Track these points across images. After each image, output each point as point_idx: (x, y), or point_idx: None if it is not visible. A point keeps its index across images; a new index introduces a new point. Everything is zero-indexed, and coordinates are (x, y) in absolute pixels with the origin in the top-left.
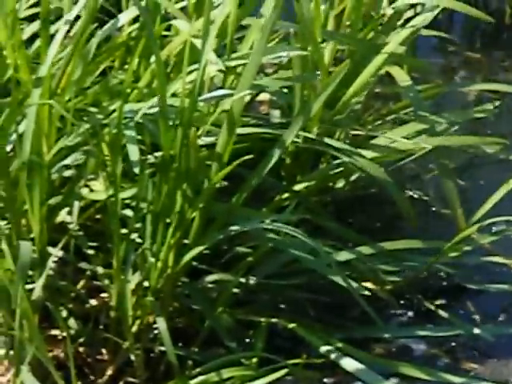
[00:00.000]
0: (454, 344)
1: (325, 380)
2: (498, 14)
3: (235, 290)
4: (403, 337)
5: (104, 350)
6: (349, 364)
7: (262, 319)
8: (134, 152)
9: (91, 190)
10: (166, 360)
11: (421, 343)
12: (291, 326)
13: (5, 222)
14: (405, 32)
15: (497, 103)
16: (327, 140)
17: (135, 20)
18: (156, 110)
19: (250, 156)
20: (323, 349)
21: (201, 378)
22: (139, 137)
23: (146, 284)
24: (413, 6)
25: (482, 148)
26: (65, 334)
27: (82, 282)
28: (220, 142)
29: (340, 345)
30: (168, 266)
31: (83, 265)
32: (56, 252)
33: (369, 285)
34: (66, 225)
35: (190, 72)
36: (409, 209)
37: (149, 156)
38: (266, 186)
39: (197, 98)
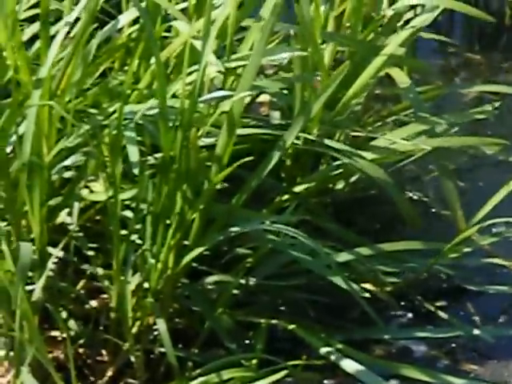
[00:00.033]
0: (454, 345)
1: (325, 381)
2: (498, 16)
3: (235, 291)
4: (403, 338)
5: (104, 352)
6: (349, 365)
7: (262, 320)
8: (133, 153)
9: (91, 191)
10: (166, 361)
11: (421, 345)
12: (291, 327)
13: (5, 223)
14: (404, 33)
15: (496, 104)
16: (327, 141)
17: (135, 21)
18: (156, 111)
19: (251, 158)
20: (323, 350)
21: (201, 379)
22: (139, 138)
23: (146, 285)
24: (413, 7)
25: (482, 149)
26: (65, 335)
27: (81, 283)
28: (220, 143)
29: (340, 346)
30: (168, 267)
31: (83, 266)
32: (56, 253)
33: (369, 286)
34: (66, 226)
35: (190, 73)
36: (409, 210)
37: (149, 157)
38: (266, 187)
39: (197, 99)
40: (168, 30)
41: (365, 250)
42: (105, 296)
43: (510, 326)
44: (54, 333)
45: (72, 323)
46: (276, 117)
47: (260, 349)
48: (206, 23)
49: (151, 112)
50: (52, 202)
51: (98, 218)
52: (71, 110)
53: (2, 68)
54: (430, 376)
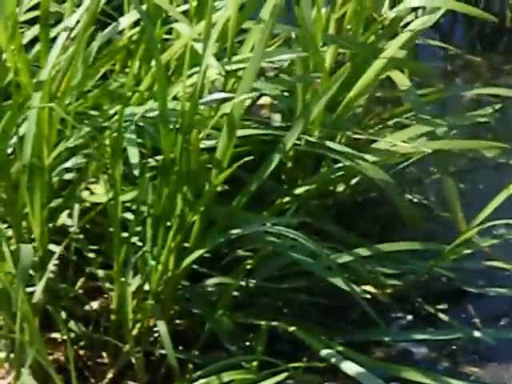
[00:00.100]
0: (454, 348)
1: None
2: (499, 18)
3: (235, 293)
4: (404, 340)
5: (104, 353)
6: (349, 367)
7: (263, 322)
8: (134, 155)
9: (92, 193)
10: (167, 363)
11: (421, 347)
12: (291, 329)
13: (5, 225)
14: (405, 36)
15: (497, 107)
16: (328, 143)
17: (136, 23)
18: (157, 113)
19: (251, 158)
20: (324, 352)
21: (201, 381)
22: (140, 140)
23: (146, 287)
24: (414, 9)
25: (482, 152)
26: (65, 337)
27: (82, 285)
28: (220, 146)
29: (340, 348)
30: (168, 269)
31: (84, 268)
32: (56, 255)
33: (369, 288)
34: (66, 228)
35: (191, 75)
36: (410, 212)
37: (149, 159)
38: (267, 189)
39: (197, 101)
40: (169, 32)
41: (365, 252)
42: (105, 298)
43: (510, 328)
44: (55, 334)
45: (72, 325)
46: (277, 119)
47: (260, 351)
48: (207, 25)
49: (152, 114)
50: (52, 204)
51: (98, 219)
52: (72, 112)
53: (2, 70)
54: (430, 378)
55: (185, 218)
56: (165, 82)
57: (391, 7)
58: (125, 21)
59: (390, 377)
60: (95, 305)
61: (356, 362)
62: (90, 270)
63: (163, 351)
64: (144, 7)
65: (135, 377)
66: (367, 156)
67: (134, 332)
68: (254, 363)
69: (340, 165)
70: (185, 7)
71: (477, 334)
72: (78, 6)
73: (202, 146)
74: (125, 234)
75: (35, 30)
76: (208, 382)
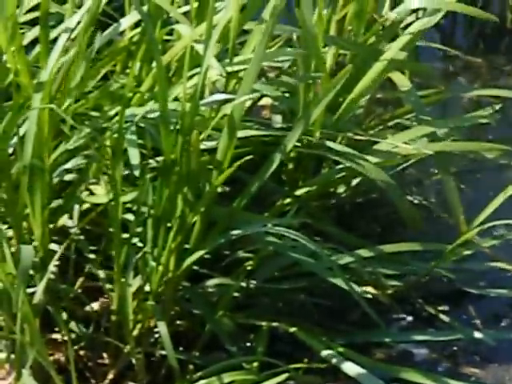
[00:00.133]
0: (455, 349)
1: None
2: (500, 19)
3: (236, 294)
4: (404, 341)
5: (105, 354)
6: (350, 368)
7: (263, 323)
8: (134, 156)
9: (93, 194)
10: (167, 364)
11: (422, 348)
12: (292, 330)
13: (6, 226)
14: (406, 37)
15: (497, 107)
16: (330, 144)
17: (137, 24)
18: (157, 114)
19: (251, 157)
20: (324, 353)
21: (202, 382)
22: (140, 141)
23: (147, 288)
24: (415, 10)
25: (483, 153)
26: (66, 337)
27: (82, 286)
28: (221, 147)
29: (341, 349)
30: (169, 270)
31: (84, 268)
32: (57, 256)
33: (370, 289)
34: (67, 229)
35: (192, 76)
36: (411, 214)
37: (150, 160)
38: (268, 190)
39: (198, 102)
40: (170, 33)
41: (366, 253)
42: (106, 298)
43: (511, 329)
44: (55, 335)
45: (73, 325)
46: (278, 120)
47: (261, 352)
48: (209, 26)
49: (153, 115)
50: (53, 205)
51: (98, 220)
52: (72, 113)
53: (2, 71)
54: (431, 379)
55: (185, 219)
56: (165, 83)
57: (392, 8)
58: (126, 22)
59: (390, 378)
60: (96, 305)
61: (357, 363)
62: (91, 271)
63: (164, 352)
64: (145, 8)
65: (136, 377)
66: (369, 157)
67: (135, 333)
68: (255, 364)
69: (341, 166)
70: (186, 8)
71: (477, 334)
72: (79, 6)
73: (202, 146)
74: (125, 235)
75: (36, 31)
76: (208, 382)
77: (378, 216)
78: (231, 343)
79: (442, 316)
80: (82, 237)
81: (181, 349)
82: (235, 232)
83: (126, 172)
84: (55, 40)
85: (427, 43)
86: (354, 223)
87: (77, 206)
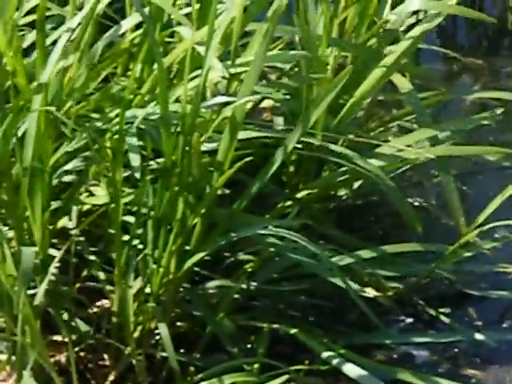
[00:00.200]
0: (455, 350)
1: None
2: (501, 21)
3: (236, 296)
4: (405, 343)
5: (106, 356)
6: (351, 370)
7: (264, 325)
8: (135, 158)
9: (93, 196)
10: (168, 366)
11: (422, 350)
12: (293, 331)
13: (7, 228)
14: (407, 42)
15: (499, 111)
16: (332, 146)
17: (138, 26)
18: (158, 116)
19: (251, 158)
20: (325, 355)
21: (203, 383)
22: (141, 143)
23: (147, 290)
24: (415, 12)
25: (484, 155)
26: (67, 339)
27: (83, 287)
28: (221, 148)
29: (342, 351)
30: (169, 271)
31: (85, 270)
32: (58, 258)
33: (370, 291)
34: (67, 230)
35: (194, 78)
36: (412, 216)
37: (151, 162)
38: (269, 193)
39: (199, 104)
40: (171, 35)
41: (366, 254)
42: (106, 300)
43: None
44: (56, 337)
45: (74, 327)
46: (279, 122)
47: (262, 353)
48: (210, 28)
49: (153, 117)
50: (53, 207)
51: (99, 221)
52: (73, 115)
53: (2, 74)
54: (431, 381)
55: (186, 221)
56: (166, 85)
57: (392, 8)
58: (127, 24)
59: (391, 379)
60: (96, 307)
61: (357, 365)
62: (91, 273)
63: (164, 354)
64: (146, 10)
65: (136, 379)
66: (371, 160)
67: (136, 334)
68: (256, 366)
69: (343, 169)
70: (187, 10)
71: (478, 336)
72: (80, 8)
73: (203, 148)
74: (126, 237)
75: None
76: None
77: (379, 218)
78: (232, 345)
79: (442, 318)
80: (82, 238)
81: (181, 350)
82: (236, 234)
83: (127, 173)
84: (57, 42)
85: (428, 45)
86: (355, 225)
87: (76, 208)
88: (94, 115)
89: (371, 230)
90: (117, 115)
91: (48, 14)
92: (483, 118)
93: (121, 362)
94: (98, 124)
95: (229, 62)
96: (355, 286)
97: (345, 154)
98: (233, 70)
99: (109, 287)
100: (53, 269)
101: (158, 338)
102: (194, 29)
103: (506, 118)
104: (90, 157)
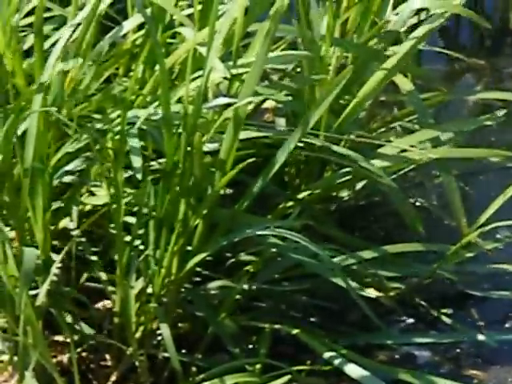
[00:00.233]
0: (457, 351)
1: None
2: (503, 21)
3: (238, 296)
4: (406, 344)
5: (108, 356)
6: (353, 371)
7: (266, 325)
8: (136, 159)
9: (94, 196)
10: (170, 366)
11: (424, 350)
12: (295, 331)
13: (8, 228)
14: (410, 42)
15: (501, 114)
16: (334, 147)
17: (140, 27)
18: (160, 116)
19: (253, 159)
20: (327, 355)
21: None
22: (142, 143)
23: (149, 290)
24: (417, 13)
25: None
26: (68, 339)
27: (85, 288)
28: (223, 149)
29: (344, 351)
30: (171, 272)
31: (86, 270)
32: (59, 258)
33: (372, 291)
34: (68, 231)
35: (196, 78)
36: (413, 216)
37: (153, 162)
38: (271, 193)
39: (200, 104)
40: (173, 36)
41: (368, 254)
42: (108, 301)
43: None
44: (58, 337)
45: (76, 328)
46: (281, 123)
47: (264, 354)
48: (211, 28)
49: (155, 117)
50: (54, 207)
51: (100, 221)
52: (75, 115)
53: (2, 74)
54: (433, 382)
55: (188, 222)
56: (167, 85)
57: (394, 8)
58: (129, 24)
59: (393, 380)
60: (98, 307)
61: (359, 365)
62: (93, 273)
63: (166, 354)
64: (148, 11)
65: (138, 380)
66: (373, 161)
67: (138, 335)
68: (258, 366)
69: (345, 170)
70: (189, 11)
71: (480, 337)
72: (82, 9)
73: (204, 149)
74: (127, 237)
75: None
76: None
77: (380, 218)
78: (234, 345)
79: (444, 318)
80: (83, 239)
81: (183, 351)
82: (237, 234)
83: (128, 174)
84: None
85: (430, 46)
86: (356, 225)
87: (77, 208)
88: (96, 116)
89: (373, 231)
90: (118, 116)
91: (50, 14)
92: (485, 119)
93: (123, 362)
94: (100, 125)
95: (230, 63)
96: (357, 287)
97: (347, 154)
98: (234, 71)
99: (110, 288)
100: (54, 269)
101: (159, 338)
102: (196, 30)
103: (509, 118)
104: (92, 157)
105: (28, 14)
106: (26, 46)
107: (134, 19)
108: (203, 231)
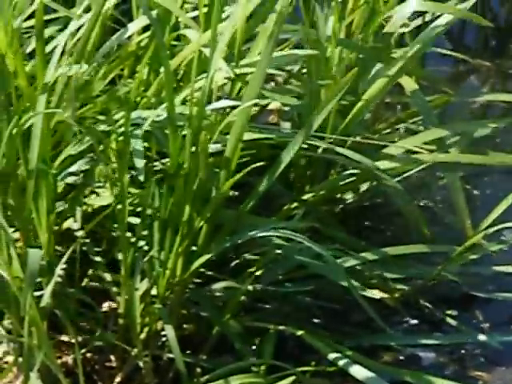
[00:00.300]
0: (462, 352)
1: None
2: (508, 22)
3: (242, 297)
4: (411, 345)
5: (112, 357)
6: (358, 372)
7: (270, 326)
8: (139, 161)
9: (99, 196)
10: (175, 367)
11: (429, 351)
12: (299, 333)
13: (13, 230)
14: (415, 46)
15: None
16: (340, 149)
17: (145, 29)
18: (164, 117)
19: (260, 163)
20: (332, 356)
21: None
22: (146, 144)
23: (153, 291)
24: (420, 15)
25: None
26: (73, 340)
27: (89, 288)
28: (227, 151)
29: (349, 352)
30: (176, 273)
31: (91, 271)
32: (64, 259)
33: (376, 292)
34: (72, 232)
35: (200, 80)
36: (418, 218)
37: (156, 163)
38: (275, 195)
39: (204, 105)
40: (178, 38)
41: (372, 255)
42: (113, 301)
43: None
44: (63, 338)
45: (80, 329)
46: (286, 125)
47: (268, 355)
48: (214, 30)
49: (159, 119)
50: (58, 208)
51: (104, 222)
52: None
53: (5, 76)
54: (438, 383)
55: (192, 223)
56: (172, 87)
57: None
58: (134, 26)
59: (397, 381)
60: (103, 308)
61: (364, 366)
62: (97, 274)
63: (171, 355)
64: (154, 13)
65: (143, 381)
66: (378, 162)
67: (142, 336)
68: (262, 367)
69: (350, 171)
70: (194, 14)
71: (484, 338)
72: (87, 10)
73: (209, 150)
74: (132, 238)
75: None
76: None
77: (385, 219)
78: (239, 346)
79: (449, 320)
80: (87, 240)
81: (188, 352)
82: (242, 235)
83: (132, 175)
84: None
85: (435, 47)
86: (361, 227)
87: (80, 209)
88: (101, 117)
89: (377, 232)
90: (123, 117)
91: (55, 16)
92: (490, 122)
93: (127, 363)
94: (104, 126)
95: (233, 64)
96: (361, 288)
97: (352, 157)
98: (238, 71)
99: (115, 289)
100: (59, 270)
101: (164, 339)
102: (201, 32)
103: None
104: (95, 158)
105: (32, 16)
106: (29, 48)
107: (140, 21)
108: (208, 232)
